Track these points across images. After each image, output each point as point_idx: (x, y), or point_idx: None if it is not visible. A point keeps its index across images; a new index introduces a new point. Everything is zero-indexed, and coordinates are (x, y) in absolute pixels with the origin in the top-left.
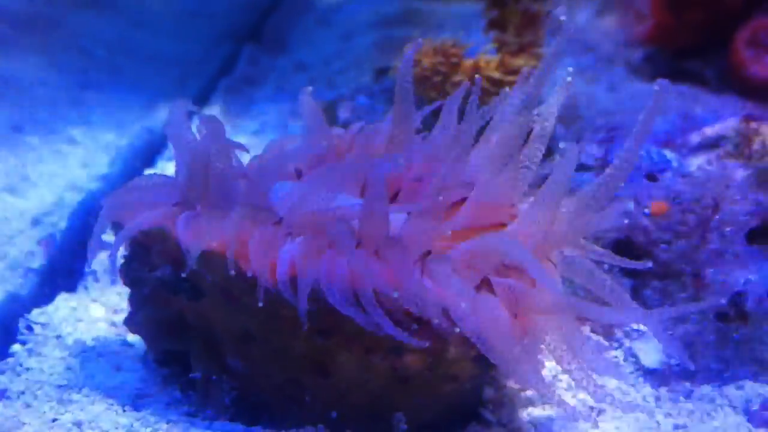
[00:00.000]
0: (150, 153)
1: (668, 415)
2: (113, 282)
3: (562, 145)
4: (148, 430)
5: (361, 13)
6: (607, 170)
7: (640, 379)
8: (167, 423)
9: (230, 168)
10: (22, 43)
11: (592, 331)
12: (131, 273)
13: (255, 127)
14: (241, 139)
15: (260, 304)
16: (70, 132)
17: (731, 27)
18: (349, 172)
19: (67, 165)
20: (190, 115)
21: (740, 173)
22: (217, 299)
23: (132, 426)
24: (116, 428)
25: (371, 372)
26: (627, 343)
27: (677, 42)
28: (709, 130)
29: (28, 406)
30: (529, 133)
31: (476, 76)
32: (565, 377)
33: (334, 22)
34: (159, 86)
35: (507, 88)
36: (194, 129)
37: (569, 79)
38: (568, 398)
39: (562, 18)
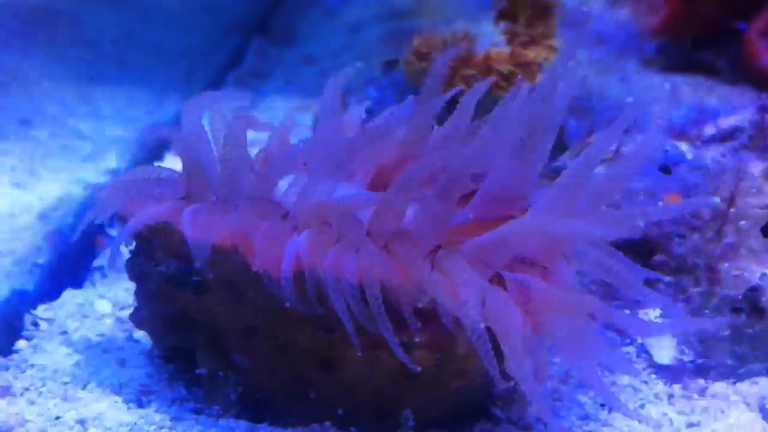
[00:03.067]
0: (158, 147)
1: (681, 412)
2: (110, 270)
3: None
4: (153, 427)
5: (370, 5)
6: (620, 164)
7: (653, 376)
8: (172, 420)
9: (240, 160)
10: (29, 37)
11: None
12: (137, 268)
13: (263, 120)
14: (249, 133)
15: (286, 304)
16: (77, 126)
17: (745, 17)
18: (352, 158)
19: (74, 159)
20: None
21: (756, 165)
22: (221, 294)
23: (136, 423)
24: (121, 425)
25: (378, 368)
26: (639, 339)
27: (690, 33)
28: (724, 122)
29: (32, 403)
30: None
31: (489, 77)
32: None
33: (343, 15)
34: (167, 79)
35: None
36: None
37: (580, 71)
38: (579, 396)
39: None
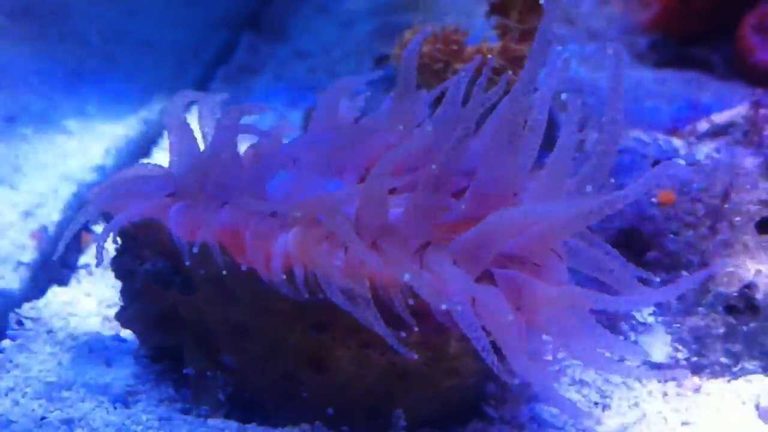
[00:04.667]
0: (145, 143)
1: (676, 410)
2: (98, 265)
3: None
4: (140, 427)
5: (362, 0)
6: (597, 150)
7: None
8: (159, 420)
9: (230, 158)
10: (16, 32)
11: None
12: (122, 266)
13: (253, 116)
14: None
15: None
16: (64, 122)
17: (738, 12)
18: (341, 155)
19: (60, 156)
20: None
21: (750, 161)
22: (210, 293)
23: (123, 424)
24: (107, 426)
25: (369, 367)
26: (633, 336)
27: (683, 28)
28: (718, 118)
29: (16, 403)
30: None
31: (489, 56)
32: (569, 371)
33: (335, 10)
34: (155, 75)
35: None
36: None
37: (564, 59)
38: (572, 394)
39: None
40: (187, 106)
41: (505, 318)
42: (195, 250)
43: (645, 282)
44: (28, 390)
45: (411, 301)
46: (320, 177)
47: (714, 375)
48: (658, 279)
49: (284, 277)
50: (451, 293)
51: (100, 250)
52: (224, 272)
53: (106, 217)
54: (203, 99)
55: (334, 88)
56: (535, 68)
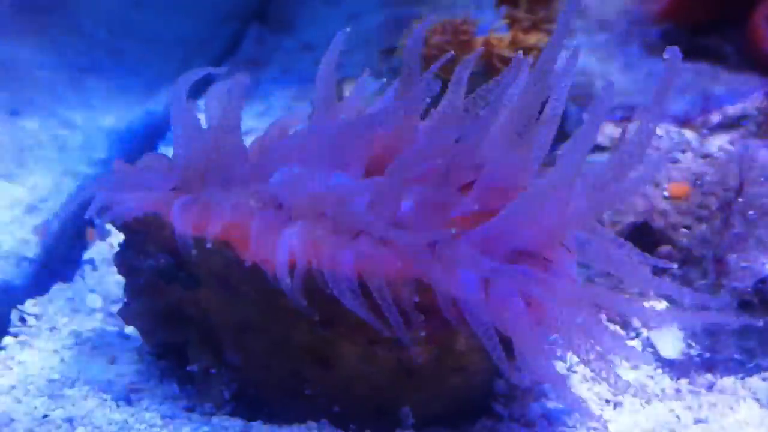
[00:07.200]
0: (151, 137)
1: (689, 408)
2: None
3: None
4: (143, 425)
5: None
6: (623, 148)
7: (659, 371)
8: (163, 419)
9: (235, 150)
10: (20, 25)
11: (609, 320)
12: (126, 262)
13: (260, 109)
14: (247, 122)
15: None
16: (69, 116)
17: (750, 2)
18: (345, 147)
19: (65, 150)
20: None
21: (764, 153)
22: (214, 289)
23: (126, 422)
24: (110, 425)
25: (376, 364)
26: (645, 332)
27: (694, 18)
28: (731, 109)
29: (18, 401)
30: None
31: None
32: (579, 368)
33: (342, 2)
34: (161, 68)
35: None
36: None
37: (576, 51)
38: (584, 391)
39: None
40: (196, 91)
41: (518, 313)
42: (194, 249)
43: (657, 272)
44: (30, 388)
45: (416, 298)
46: (325, 169)
47: (728, 372)
48: (675, 265)
49: (288, 272)
50: (461, 289)
51: (101, 232)
52: (228, 268)
53: (108, 210)
54: (212, 87)
55: (324, 66)
56: (549, 61)
